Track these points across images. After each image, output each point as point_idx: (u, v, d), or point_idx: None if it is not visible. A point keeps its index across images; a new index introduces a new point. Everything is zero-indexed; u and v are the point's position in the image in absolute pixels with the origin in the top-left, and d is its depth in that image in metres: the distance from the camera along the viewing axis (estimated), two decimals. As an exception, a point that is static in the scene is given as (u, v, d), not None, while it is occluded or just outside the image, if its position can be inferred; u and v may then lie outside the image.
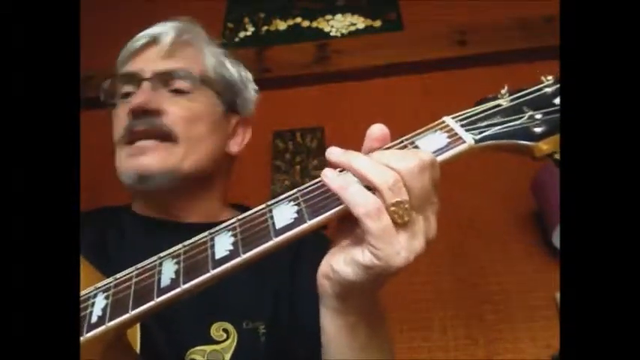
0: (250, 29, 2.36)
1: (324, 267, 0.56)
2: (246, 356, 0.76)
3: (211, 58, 0.95)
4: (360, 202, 0.50)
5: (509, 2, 2.09)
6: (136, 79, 0.89)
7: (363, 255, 0.52)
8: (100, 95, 0.93)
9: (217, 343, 0.76)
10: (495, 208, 1.76)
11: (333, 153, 0.55)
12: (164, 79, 0.89)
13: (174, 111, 0.87)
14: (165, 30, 0.92)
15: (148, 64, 0.90)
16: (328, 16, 2.33)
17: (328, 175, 0.53)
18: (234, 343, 0.76)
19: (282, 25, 2.35)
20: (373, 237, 0.50)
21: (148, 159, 0.85)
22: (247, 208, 1.02)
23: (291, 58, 2.16)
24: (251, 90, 1.03)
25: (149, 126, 0.85)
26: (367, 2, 2.34)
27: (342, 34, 2.27)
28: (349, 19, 2.31)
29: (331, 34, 2.28)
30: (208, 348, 0.75)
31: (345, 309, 0.58)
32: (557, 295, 1.53)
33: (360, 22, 2.29)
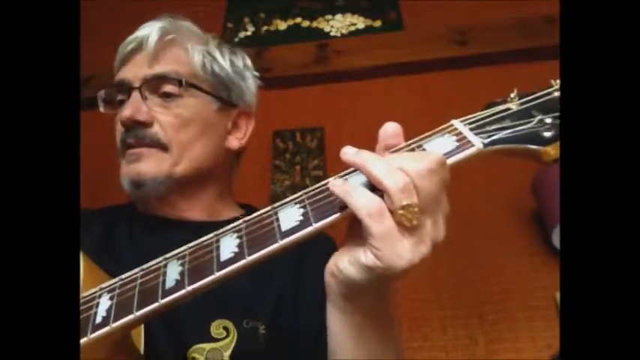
0: (250, 29, 2.36)
1: (330, 265, 0.57)
2: (246, 355, 0.76)
3: (198, 55, 0.93)
4: (363, 204, 0.50)
5: (509, 2, 2.09)
6: (125, 87, 0.90)
7: (365, 256, 0.52)
8: (99, 105, 0.94)
9: (217, 341, 0.76)
10: (495, 208, 1.76)
11: (347, 152, 0.54)
12: (152, 85, 0.89)
13: (164, 119, 0.88)
14: (150, 32, 0.91)
15: (137, 70, 0.90)
16: (328, 16, 2.33)
17: (334, 184, 0.53)
18: (234, 342, 0.76)
19: (282, 25, 2.35)
20: (375, 238, 0.50)
21: (141, 165, 0.87)
22: (254, 208, 1.03)
23: (291, 58, 2.16)
24: (249, 79, 1.01)
25: (140, 137, 0.87)
26: (367, 2, 2.34)
27: (342, 34, 2.27)
28: (349, 19, 2.31)
29: (331, 34, 2.28)
30: (208, 346, 0.75)
31: (350, 308, 0.58)
32: (557, 295, 1.53)
33: (360, 22, 2.30)
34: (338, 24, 2.30)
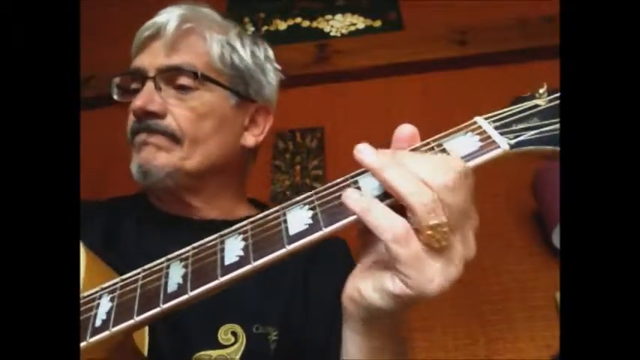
0: (250, 29, 2.36)
1: (350, 290, 0.52)
2: None
3: (216, 46, 0.89)
4: (387, 226, 0.46)
5: (509, 2, 2.10)
6: (140, 76, 0.86)
7: (393, 283, 0.47)
8: (112, 92, 0.90)
9: (224, 347, 0.73)
10: (495, 208, 1.76)
11: (365, 153, 0.48)
12: (167, 76, 0.85)
13: (178, 112, 0.85)
14: (168, 19, 0.87)
15: (153, 59, 0.87)
16: (328, 16, 2.33)
17: (350, 197, 0.48)
18: (242, 347, 0.74)
19: (282, 25, 2.35)
20: (402, 264, 0.46)
21: (151, 152, 0.84)
22: (264, 205, 1.00)
23: (291, 58, 2.16)
24: (270, 72, 0.97)
25: (152, 128, 0.84)
26: (367, 2, 2.35)
27: (342, 34, 2.27)
28: (349, 19, 2.31)
29: (331, 34, 2.28)
30: (214, 353, 0.73)
31: (370, 333, 0.54)
32: (557, 295, 1.53)
33: (360, 22, 2.30)
34: (338, 24, 2.31)
